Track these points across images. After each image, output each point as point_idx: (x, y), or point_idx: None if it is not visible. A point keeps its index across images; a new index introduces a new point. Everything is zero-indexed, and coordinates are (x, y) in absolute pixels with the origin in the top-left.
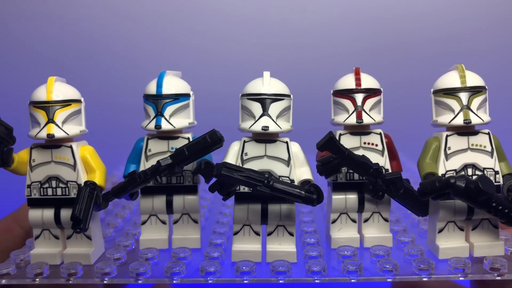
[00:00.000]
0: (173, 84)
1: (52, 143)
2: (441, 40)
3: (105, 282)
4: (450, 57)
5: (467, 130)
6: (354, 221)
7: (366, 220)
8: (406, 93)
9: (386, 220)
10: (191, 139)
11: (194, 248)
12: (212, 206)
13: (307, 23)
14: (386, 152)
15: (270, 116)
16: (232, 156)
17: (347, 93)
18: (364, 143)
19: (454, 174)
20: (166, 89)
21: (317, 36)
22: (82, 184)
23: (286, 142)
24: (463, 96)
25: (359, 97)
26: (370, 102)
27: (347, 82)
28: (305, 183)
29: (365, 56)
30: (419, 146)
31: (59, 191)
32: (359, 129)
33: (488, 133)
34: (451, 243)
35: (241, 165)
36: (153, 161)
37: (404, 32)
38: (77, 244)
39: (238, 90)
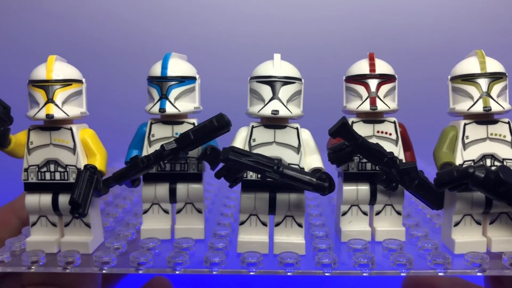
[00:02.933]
0: (178, 66)
1: (51, 125)
2: (456, 29)
3: (104, 271)
4: (467, 44)
5: (486, 118)
6: (365, 213)
7: (378, 213)
8: (420, 81)
9: (399, 213)
10: (196, 125)
11: (198, 239)
12: (216, 199)
13: (321, 7)
14: (400, 142)
15: (280, 100)
16: (239, 142)
17: (361, 79)
18: (378, 131)
19: (472, 164)
20: (172, 71)
21: (330, 21)
22: (82, 169)
23: (297, 128)
24: (483, 82)
25: (373, 83)
26: (385, 88)
27: (361, 67)
28: (315, 171)
29: (379, 43)
30: (431, 137)
31: (57, 176)
32: (373, 117)
33: (508, 122)
34: (468, 237)
35: None
36: (156, 147)
37: (420, 19)
38: (75, 232)
39: (245, 76)
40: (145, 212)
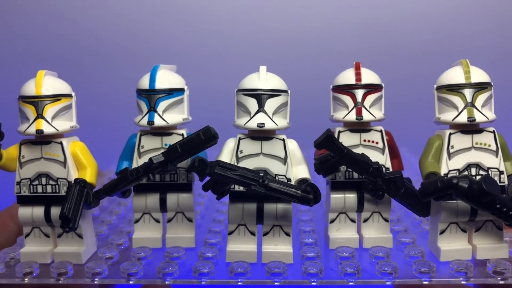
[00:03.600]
0: (166, 78)
1: (42, 139)
2: (444, 35)
3: (95, 282)
4: (455, 53)
5: (471, 128)
6: (353, 221)
7: (365, 220)
8: (408, 89)
9: (386, 220)
10: (185, 136)
11: (188, 247)
12: (209, 204)
13: (306, 17)
14: (386, 150)
15: (266, 113)
16: (226, 153)
17: (347, 89)
18: (364, 140)
19: (457, 173)
20: (159, 84)
21: (316, 30)
22: (73, 182)
23: (283, 140)
24: (467, 92)
25: (359, 93)
26: (371, 98)
27: (347, 77)
28: (302, 182)
29: (366, 51)
30: (423, 143)
31: (49, 189)
32: (359, 126)
33: (493, 132)
34: (453, 245)
35: (236, 163)
36: (146, 158)
37: (406, 27)
38: (68, 242)
39: (234, 85)
40: (137, 221)
